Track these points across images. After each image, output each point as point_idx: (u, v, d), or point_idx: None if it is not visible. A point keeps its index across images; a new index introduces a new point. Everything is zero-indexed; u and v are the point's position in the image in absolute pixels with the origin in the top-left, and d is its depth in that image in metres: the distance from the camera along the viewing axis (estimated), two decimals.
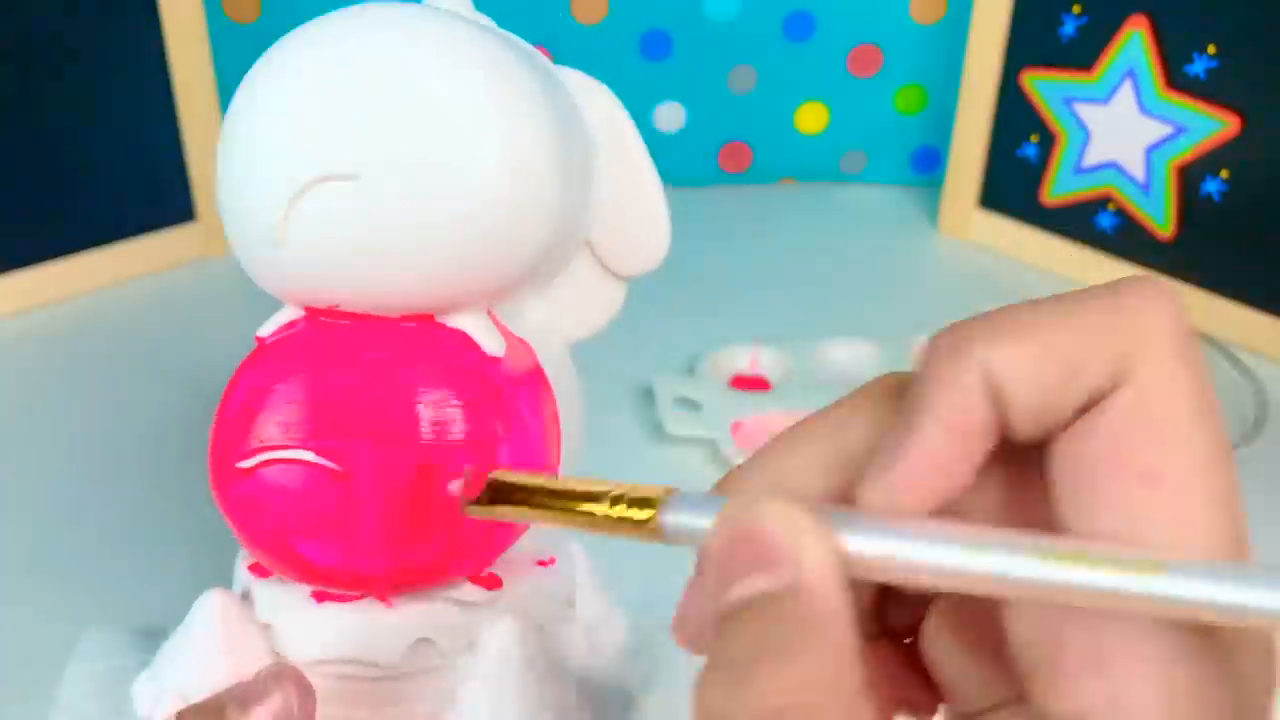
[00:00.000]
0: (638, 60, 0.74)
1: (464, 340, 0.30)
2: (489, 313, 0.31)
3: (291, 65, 0.28)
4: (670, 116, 0.76)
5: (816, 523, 0.18)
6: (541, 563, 0.34)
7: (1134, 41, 0.64)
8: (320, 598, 0.31)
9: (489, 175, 0.28)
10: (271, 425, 0.29)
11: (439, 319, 0.30)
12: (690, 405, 0.58)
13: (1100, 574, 0.16)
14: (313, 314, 0.30)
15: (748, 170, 0.80)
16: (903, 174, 0.81)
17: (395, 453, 0.29)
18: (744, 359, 0.61)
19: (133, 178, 0.65)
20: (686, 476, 0.55)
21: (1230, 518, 0.17)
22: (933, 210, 0.76)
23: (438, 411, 0.29)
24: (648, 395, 0.58)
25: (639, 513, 0.21)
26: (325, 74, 0.28)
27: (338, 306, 0.30)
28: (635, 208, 0.34)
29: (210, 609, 0.31)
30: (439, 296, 0.30)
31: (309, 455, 0.28)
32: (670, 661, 0.38)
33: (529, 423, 0.30)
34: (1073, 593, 0.16)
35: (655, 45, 0.74)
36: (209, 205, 0.67)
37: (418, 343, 0.30)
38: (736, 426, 0.57)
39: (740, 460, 0.54)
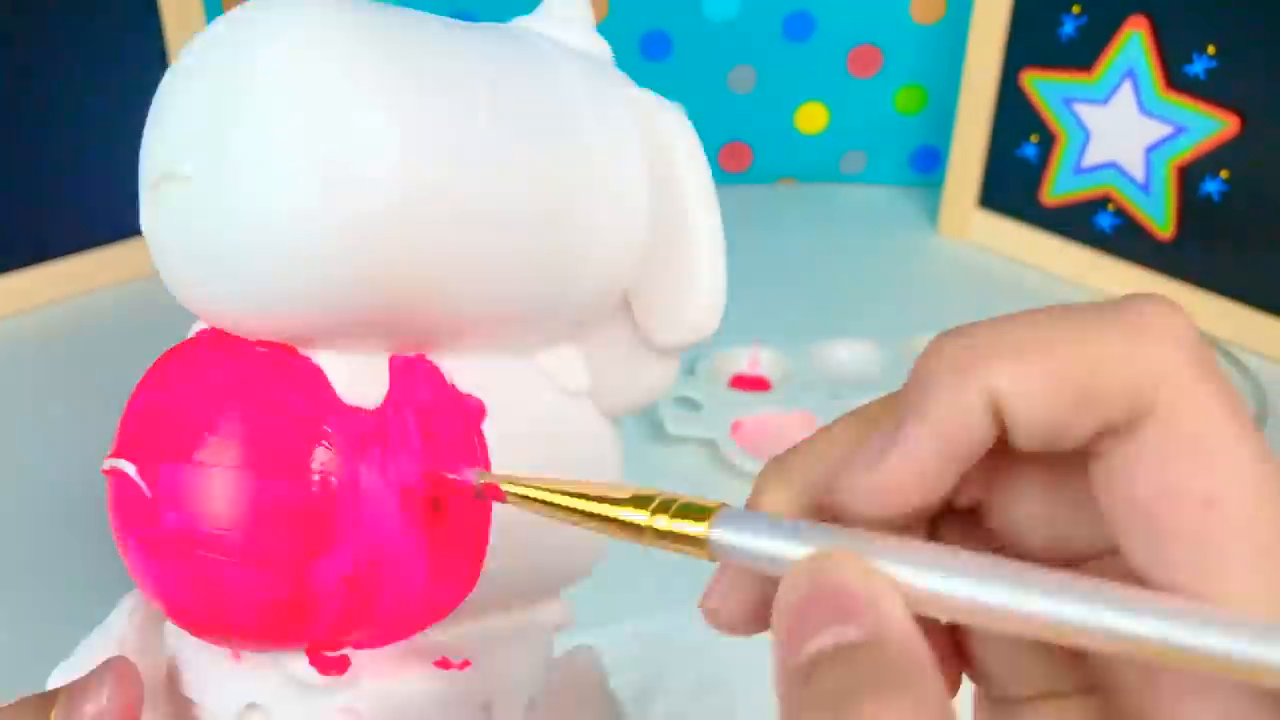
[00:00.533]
0: (638, 60, 0.74)
1: (317, 378, 0.26)
2: (413, 359, 0.27)
3: (178, 60, 0.26)
4: None
5: (891, 580, 0.18)
6: (445, 664, 0.29)
7: (1133, 42, 0.64)
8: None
9: (294, 185, 0.23)
10: (120, 432, 0.27)
11: (302, 350, 0.26)
12: (690, 405, 0.58)
13: (1222, 640, 0.16)
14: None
15: (748, 170, 0.80)
16: (902, 174, 0.81)
17: (200, 486, 0.25)
18: (744, 359, 0.61)
19: (132, 178, 0.65)
20: (686, 476, 0.55)
21: None
22: (932, 210, 0.76)
23: (255, 449, 0.25)
24: None
25: (691, 525, 0.20)
26: (181, 68, 0.26)
27: (201, 316, 0.27)
28: (677, 265, 0.28)
29: (120, 610, 0.30)
30: (275, 320, 0.25)
31: (131, 470, 0.26)
32: (668, 670, 0.38)
33: (387, 476, 0.26)
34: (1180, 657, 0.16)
35: (655, 45, 0.74)
36: None
37: (259, 371, 0.26)
38: (736, 426, 0.57)
39: (739, 460, 0.54)
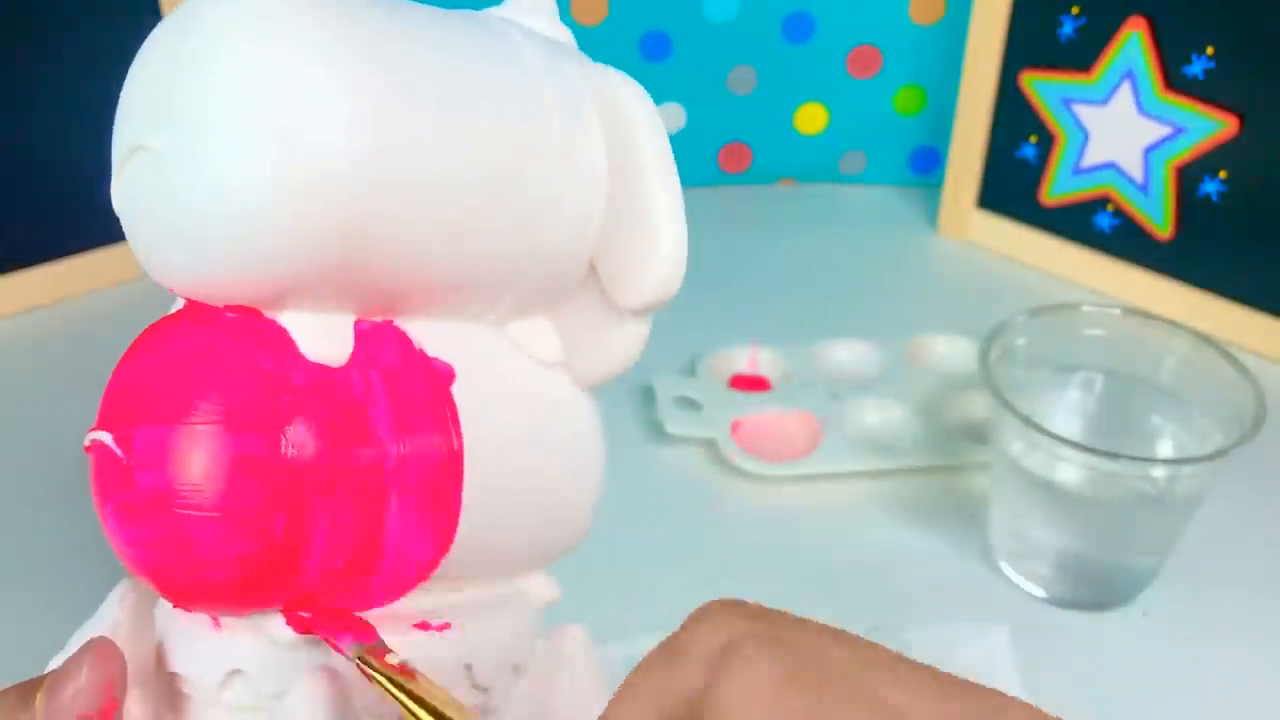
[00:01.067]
0: (638, 61, 0.74)
1: (283, 339, 0.26)
2: (383, 324, 0.28)
3: (149, 37, 0.27)
4: (670, 117, 0.76)
5: None
6: (425, 625, 0.29)
7: (1132, 42, 0.64)
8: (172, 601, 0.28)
9: (247, 152, 0.24)
10: (100, 404, 0.28)
11: (266, 313, 0.27)
12: (690, 405, 0.58)
13: None
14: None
15: (747, 171, 0.80)
16: (902, 174, 0.81)
17: (171, 448, 0.25)
18: (744, 359, 0.61)
19: None
20: (686, 476, 0.55)
21: None
22: (932, 211, 0.76)
23: (224, 410, 0.25)
24: (648, 395, 0.58)
25: None
26: (149, 43, 0.27)
27: (171, 289, 0.28)
28: (636, 226, 0.29)
29: (112, 597, 0.30)
30: (239, 285, 0.26)
31: (107, 438, 0.26)
32: None
33: (359, 449, 0.27)
34: None
35: (655, 46, 0.74)
36: None
37: (226, 335, 0.26)
38: (736, 426, 0.57)
39: (739, 460, 0.54)
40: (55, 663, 0.30)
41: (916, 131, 0.79)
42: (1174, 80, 0.63)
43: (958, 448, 0.56)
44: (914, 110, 0.79)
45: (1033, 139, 0.70)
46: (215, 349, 0.26)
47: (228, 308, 0.27)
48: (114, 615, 0.30)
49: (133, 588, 0.30)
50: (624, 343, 0.31)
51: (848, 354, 0.62)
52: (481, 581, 0.31)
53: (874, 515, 0.53)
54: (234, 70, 0.24)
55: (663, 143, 0.29)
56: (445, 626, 0.29)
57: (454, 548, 0.28)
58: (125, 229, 0.27)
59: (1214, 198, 0.63)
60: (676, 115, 0.76)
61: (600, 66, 0.31)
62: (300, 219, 0.24)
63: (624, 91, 0.30)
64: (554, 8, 0.32)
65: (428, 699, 0.25)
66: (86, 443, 0.27)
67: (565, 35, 0.32)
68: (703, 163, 0.78)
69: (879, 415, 0.58)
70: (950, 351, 0.62)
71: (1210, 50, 0.61)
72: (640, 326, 0.30)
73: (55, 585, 0.47)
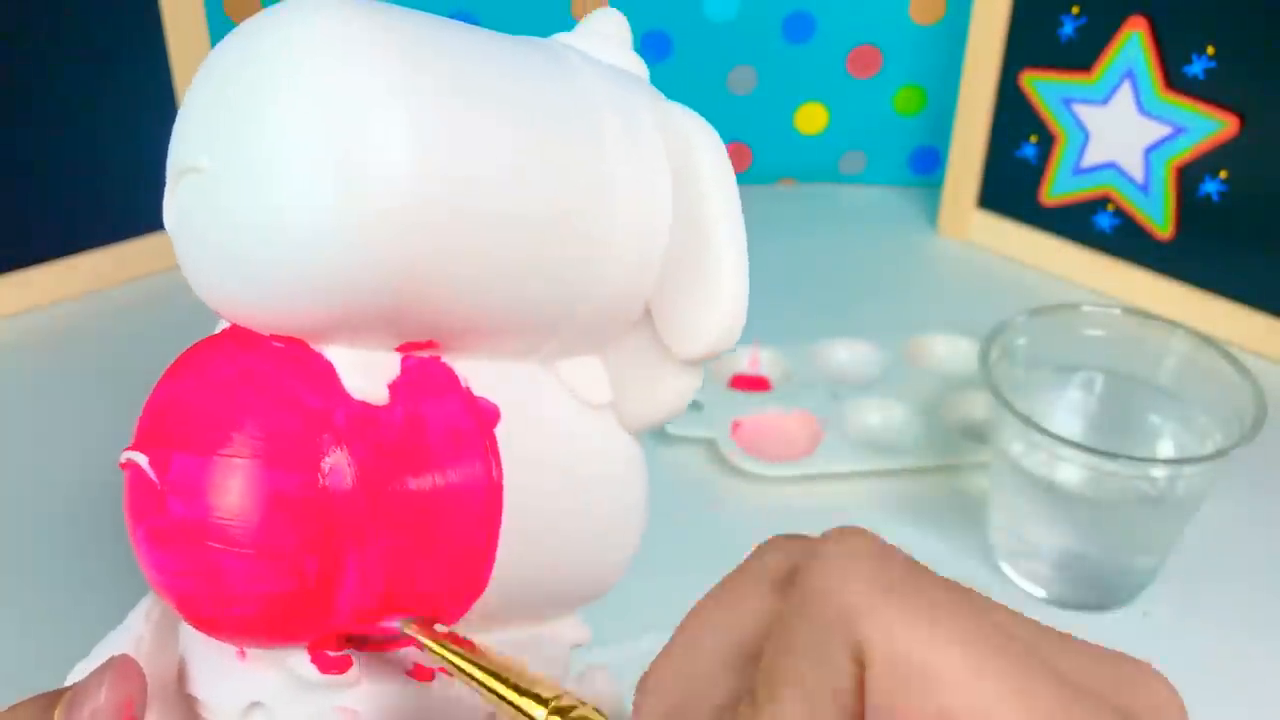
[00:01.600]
0: None
1: (327, 372, 0.26)
2: (424, 361, 0.28)
3: (208, 58, 0.27)
4: None
5: None
6: (420, 673, 0.28)
7: (1133, 42, 0.64)
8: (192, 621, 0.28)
9: (309, 182, 0.24)
10: (137, 425, 0.27)
11: (313, 345, 0.26)
12: (690, 405, 0.58)
13: None
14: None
15: (747, 170, 0.80)
16: (902, 174, 0.81)
17: (208, 477, 0.25)
18: (744, 359, 0.61)
19: (133, 178, 0.65)
20: (686, 476, 0.55)
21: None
22: (932, 211, 0.76)
23: (262, 441, 0.25)
24: None
25: None
26: (206, 66, 0.26)
27: (218, 313, 0.27)
28: (699, 275, 0.28)
29: (138, 609, 0.30)
30: (287, 316, 0.25)
31: (143, 461, 0.26)
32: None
33: (400, 486, 0.26)
34: None
35: (655, 46, 0.74)
36: None
37: (272, 365, 0.26)
38: (736, 426, 0.57)
39: (739, 460, 0.54)
40: (77, 671, 0.30)
41: (916, 131, 0.79)
42: (1174, 80, 0.63)
43: (958, 448, 0.56)
44: (914, 110, 0.79)
45: (1033, 139, 0.70)
46: (258, 378, 0.26)
47: (273, 336, 0.26)
48: (138, 629, 0.29)
49: (158, 602, 0.30)
50: (674, 389, 0.30)
51: (848, 354, 0.62)
52: (509, 624, 0.30)
53: (874, 515, 0.53)
54: (299, 98, 0.24)
55: (731, 190, 0.29)
56: (432, 676, 0.29)
57: (488, 591, 0.28)
58: (175, 248, 0.27)
59: (1214, 198, 0.63)
60: None
61: (672, 104, 0.30)
62: (360, 252, 0.24)
63: (694, 133, 0.29)
64: (628, 36, 0.31)
65: (490, 666, 0.24)
66: (122, 460, 0.26)
67: (638, 65, 0.31)
68: None
69: (879, 415, 0.58)
70: (950, 351, 0.62)
71: (1210, 50, 0.61)
72: (693, 376, 0.30)
73: (67, 586, 0.47)
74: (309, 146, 0.24)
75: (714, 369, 0.60)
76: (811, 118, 0.79)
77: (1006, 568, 0.50)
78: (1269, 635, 0.48)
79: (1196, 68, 0.62)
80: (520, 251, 0.26)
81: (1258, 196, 0.62)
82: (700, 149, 0.29)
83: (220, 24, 0.67)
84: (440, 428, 0.27)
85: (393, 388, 0.27)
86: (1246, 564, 0.51)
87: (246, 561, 0.25)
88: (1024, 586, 0.50)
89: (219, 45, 0.26)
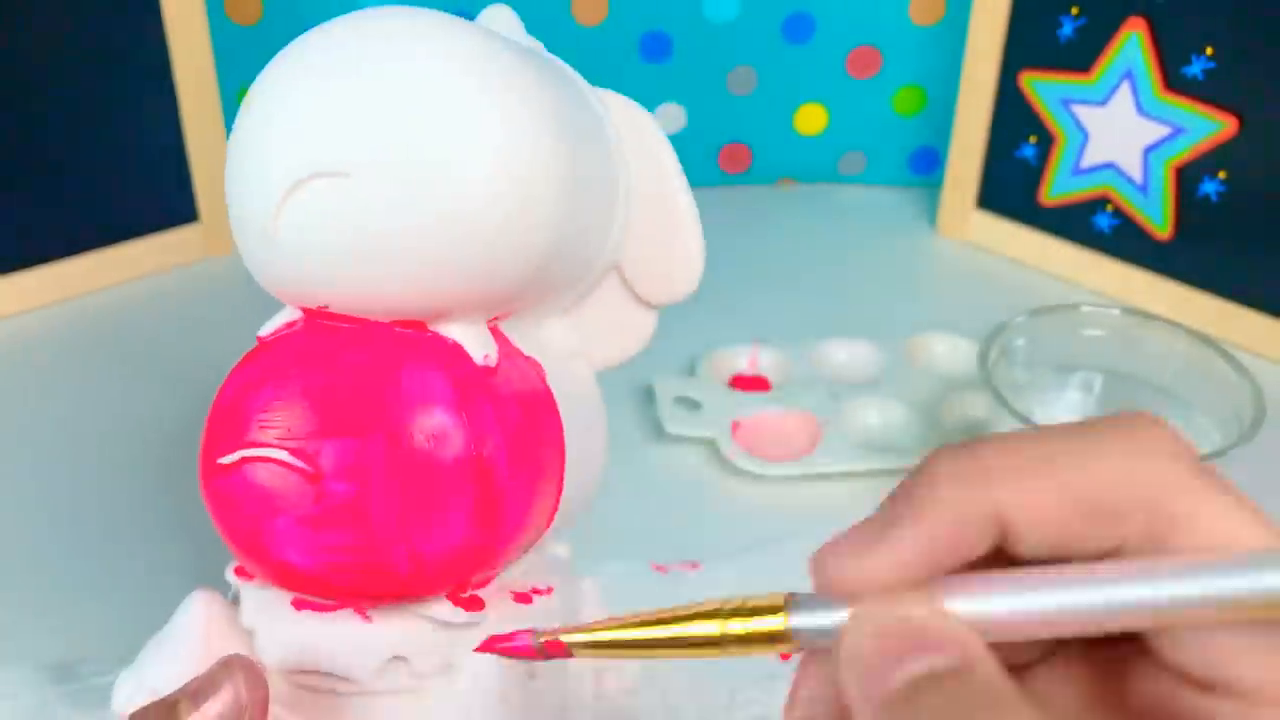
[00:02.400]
0: (638, 61, 0.74)
1: (453, 349, 0.29)
2: (493, 328, 0.31)
3: (296, 64, 0.28)
4: (670, 117, 0.76)
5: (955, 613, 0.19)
6: (534, 593, 0.33)
7: (1132, 43, 0.64)
8: (299, 605, 0.30)
9: (478, 178, 0.27)
10: (254, 423, 0.28)
11: (431, 326, 0.29)
12: (690, 405, 0.58)
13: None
14: (309, 315, 0.30)
15: (747, 171, 0.80)
16: (901, 175, 0.81)
17: (369, 457, 0.27)
18: (744, 359, 0.61)
19: (134, 178, 0.65)
20: (686, 476, 0.55)
21: None
22: (931, 211, 0.76)
23: (416, 417, 0.28)
24: (648, 395, 0.59)
25: (768, 623, 0.20)
26: (324, 73, 0.28)
27: (327, 307, 0.29)
28: (666, 236, 0.33)
29: (193, 608, 0.31)
30: (428, 301, 0.29)
31: (284, 455, 0.27)
32: (676, 695, 0.38)
33: (522, 438, 0.30)
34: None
35: (655, 46, 0.74)
36: (211, 206, 0.67)
37: (403, 347, 0.29)
38: (736, 426, 0.57)
39: (739, 460, 0.54)
40: (129, 676, 0.30)
41: (916, 131, 0.79)
42: (1173, 80, 0.63)
43: None
44: (914, 110, 0.79)
45: (1032, 139, 0.70)
46: (398, 360, 0.29)
47: (396, 323, 0.29)
48: (203, 628, 0.31)
49: (211, 602, 0.31)
50: (638, 329, 0.35)
51: (848, 354, 0.62)
52: (543, 545, 0.34)
53: None
54: (470, 108, 0.27)
55: (673, 153, 0.34)
56: (550, 590, 0.33)
57: (560, 506, 0.32)
58: (284, 246, 0.28)
59: (1213, 198, 0.63)
60: (676, 115, 0.76)
61: (601, 89, 0.34)
62: (530, 234, 0.28)
63: (638, 114, 0.34)
64: (522, 30, 0.35)
65: (641, 620, 0.21)
66: (231, 460, 0.28)
67: (534, 44, 0.34)
68: (703, 163, 0.78)
69: (879, 415, 0.58)
70: (950, 351, 0.62)
71: (1210, 50, 0.61)
72: (652, 317, 0.35)
73: (56, 585, 0.47)
74: (474, 153, 0.27)
75: (714, 369, 0.61)
76: (811, 118, 0.79)
77: None
78: None
79: (1195, 68, 0.62)
80: (596, 220, 0.31)
81: (1257, 197, 0.62)
82: (648, 128, 0.34)
83: (220, 24, 0.67)
84: (525, 384, 0.31)
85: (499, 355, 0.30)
86: None
87: (414, 528, 0.28)
88: None
89: (313, 52, 0.28)
